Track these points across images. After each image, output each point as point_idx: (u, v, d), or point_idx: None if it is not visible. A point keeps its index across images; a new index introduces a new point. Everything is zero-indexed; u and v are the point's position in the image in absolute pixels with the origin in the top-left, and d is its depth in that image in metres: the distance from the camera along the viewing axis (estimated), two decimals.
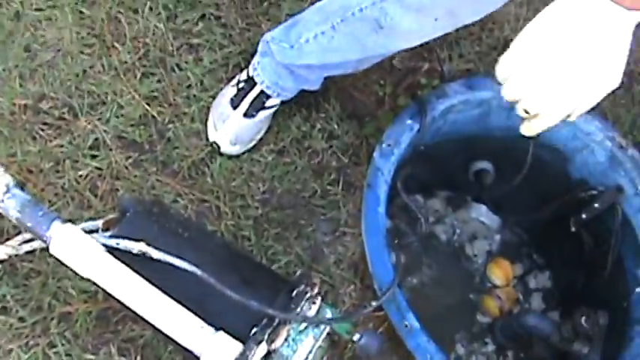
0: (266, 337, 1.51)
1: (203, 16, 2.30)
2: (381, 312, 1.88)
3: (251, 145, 2.18)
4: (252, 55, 2.14)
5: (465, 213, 2.48)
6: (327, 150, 2.17)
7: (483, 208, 2.47)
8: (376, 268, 1.80)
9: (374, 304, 1.69)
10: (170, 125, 2.14)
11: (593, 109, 1.32)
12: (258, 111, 2.11)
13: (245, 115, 2.11)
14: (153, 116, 2.14)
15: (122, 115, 2.13)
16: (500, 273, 2.42)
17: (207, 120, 2.14)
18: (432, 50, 2.39)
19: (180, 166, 2.09)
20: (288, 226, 2.07)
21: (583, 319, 2.20)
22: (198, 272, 1.55)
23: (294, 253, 2.04)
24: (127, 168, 2.07)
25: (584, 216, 2.22)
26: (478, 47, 2.48)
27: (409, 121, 2.01)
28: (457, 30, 1.83)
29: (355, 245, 2.06)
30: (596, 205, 2.19)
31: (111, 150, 2.08)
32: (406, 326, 1.78)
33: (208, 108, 2.15)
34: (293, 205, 2.10)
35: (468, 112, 2.13)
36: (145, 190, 2.05)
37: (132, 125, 2.12)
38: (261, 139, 2.16)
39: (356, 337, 1.65)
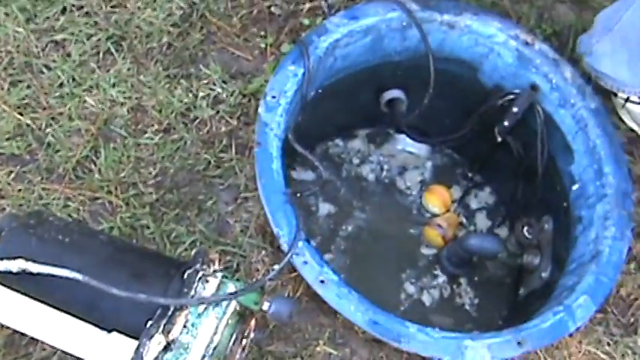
0: (161, 328, 1.44)
1: (64, 9, 2.17)
2: (294, 273, 1.81)
3: None
4: (123, 38, 2.07)
5: (390, 147, 2.37)
6: (214, 117, 2.04)
7: (408, 138, 2.35)
8: (279, 227, 1.71)
9: (276, 266, 1.60)
10: (48, 129, 2.02)
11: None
12: None
13: None
14: (27, 124, 2.02)
15: None
16: (437, 200, 2.31)
17: (88, 117, 2.04)
18: None
19: (65, 169, 1.97)
20: (186, 204, 1.96)
21: (525, 229, 2.13)
22: (80, 277, 1.47)
23: (198, 231, 1.93)
24: (9, 184, 1.95)
25: (506, 123, 2.11)
26: None
27: (292, 67, 1.88)
28: None
29: (258, 208, 1.95)
30: (514, 109, 2.08)
31: None
32: (322, 281, 1.68)
33: (85, 102, 2.04)
34: (188, 182, 1.99)
35: (357, 43, 2.01)
36: (33, 201, 1.93)
37: (7, 139, 2.01)
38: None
39: (265, 305, 1.57)
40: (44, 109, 2.04)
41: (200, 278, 1.52)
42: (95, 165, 1.98)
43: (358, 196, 2.29)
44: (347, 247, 2.21)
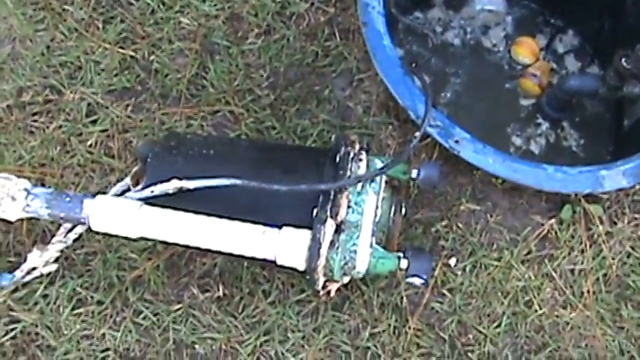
0: (328, 212, 1.50)
1: None
2: (428, 139, 1.85)
3: None
4: None
5: (468, 9, 2.38)
6: (310, 9, 2.07)
7: None
8: (405, 100, 1.75)
9: (417, 134, 1.64)
10: (152, 57, 2.05)
11: None
12: None
13: None
14: (131, 56, 2.05)
15: (102, 70, 2.05)
16: (526, 51, 2.34)
17: (187, 36, 2.06)
18: None
19: (178, 91, 2.01)
20: (304, 98, 1.99)
21: (623, 60, 2.14)
22: (239, 182, 1.52)
23: (322, 120, 1.98)
24: (129, 117, 2.00)
25: None
26: None
27: None
28: None
29: (376, 87, 1.99)
30: None
31: (107, 107, 2.01)
32: (457, 141, 1.74)
33: (180, 23, 2.06)
34: (301, 77, 2.02)
35: None
36: (157, 128, 1.98)
37: (116, 75, 2.04)
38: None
39: (414, 173, 1.63)
40: (143, 38, 2.06)
41: (352, 158, 1.57)
42: (207, 80, 2.01)
43: (450, 63, 2.32)
44: (450, 113, 2.25)
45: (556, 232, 1.91)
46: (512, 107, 2.31)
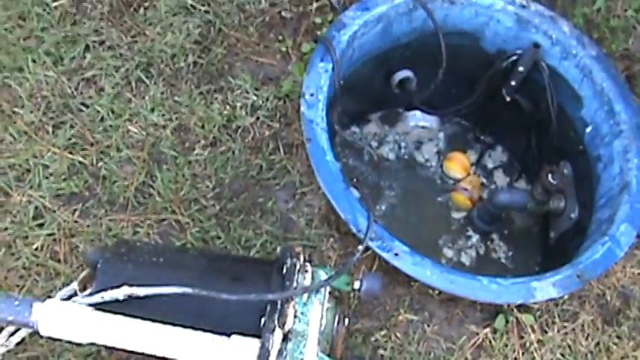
0: (276, 322, 1.52)
1: (87, 47, 2.25)
2: (368, 252, 1.90)
3: None
4: (150, 65, 2.15)
5: (403, 125, 2.50)
6: (255, 123, 2.14)
7: (418, 113, 2.48)
8: (347, 213, 1.80)
9: (360, 248, 1.69)
10: (100, 164, 2.09)
11: None
12: None
13: None
14: (80, 162, 2.09)
15: (51, 174, 2.08)
16: (457, 166, 2.45)
17: (135, 145, 2.11)
18: None
19: (125, 198, 2.05)
20: (249, 209, 2.05)
21: (549, 175, 2.25)
22: (190, 290, 1.55)
23: (266, 231, 2.03)
24: (76, 222, 2.02)
25: (513, 83, 2.26)
26: None
27: (321, 64, 2.00)
28: None
29: (318, 200, 2.06)
30: (520, 68, 2.22)
31: (54, 212, 2.03)
32: (396, 254, 1.80)
33: (129, 131, 2.12)
34: (246, 188, 2.08)
35: (370, 31, 2.13)
36: (103, 234, 2.00)
37: (64, 179, 2.07)
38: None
39: (356, 284, 1.68)
40: (92, 145, 2.10)
41: (298, 270, 1.62)
42: (153, 189, 2.05)
43: (384, 176, 2.41)
44: (384, 224, 2.31)
45: (490, 341, 1.97)
46: (444, 220, 2.40)
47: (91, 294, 1.57)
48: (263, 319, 1.53)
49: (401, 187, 2.41)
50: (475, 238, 2.38)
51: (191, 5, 2.28)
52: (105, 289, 1.55)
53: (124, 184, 2.06)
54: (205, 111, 2.14)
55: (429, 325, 1.97)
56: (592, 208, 2.17)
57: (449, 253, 2.35)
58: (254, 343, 1.50)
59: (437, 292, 1.96)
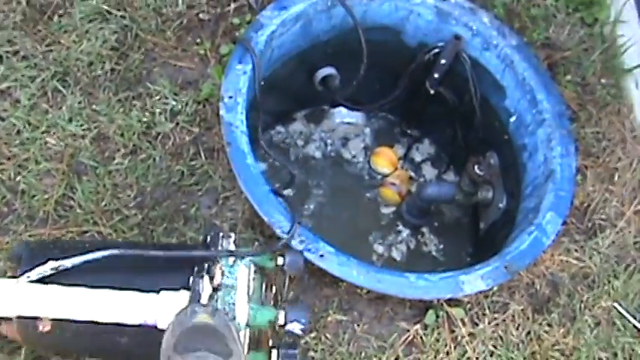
0: (205, 274, 1.56)
1: (0, 58, 2.19)
2: None
3: None
4: (66, 74, 2.12)
5: (329, 122, 2.49)
6: (175, 129, 2.10)
7: (343, 110, 2.47)
8: (270, 217, 1.80)
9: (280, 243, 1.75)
10: (18, 178, 2.03)
11: None
12: None
13: None
14: None
15: None
16: (384, 161, 2.45)
17: (54, 156, 2.07)
18: None
19: (45, 212, 1.99)
20: (172, 217, 2.01)
21: (476, 167, 2.26)
22: (117, 251, 1.57)
23: (189, 239, 2.00)
24: None
25: (436, 75, 2.26)
26: None
27: (239, 66, 1.98)
28: None
29: (241, 204, 2.03)
30: (442, 61, 2.23)
31: None
32: (322, 256, 1.79)
33: (47, 143, 2.07)
34: (168, 196, 2.04)
35: (289, 31, 2.11)
36: None
37: None
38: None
39: (280, 260, 1.71)
40: (9, 158, 2.05)
41: (222, 236, 1.67)
42: (74, 200, 2.01)
43: (311, 175, 2.40)
44: (313, 224, 2.32)
45: (421, 337, 1.96)
46: (373, 216, 2.40)
47: (15, 277, 1.55)
48: (191, 277, 1.56)
49: (329, 184, 2.40)
50: (405, 232, 2.38)
51: (107, 11, 2.24)
52: (31, 269, 1.55)
53: (43, 197, 2.01)
54: (124, 119, 2.10)
55: (358, 325, 1.95)
56: (519, 198, 2.18)
57: (379, 249, 2.34)
58: (183, 294, 1.53)
59: (365, 291, 1.95)
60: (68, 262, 1.54)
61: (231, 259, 1.63)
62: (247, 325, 1.59)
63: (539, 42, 2.40)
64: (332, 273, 1.79)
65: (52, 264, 1.54)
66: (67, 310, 1.52)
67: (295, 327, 1.61)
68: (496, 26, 2.19)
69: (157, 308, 1.50)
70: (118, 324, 1.54)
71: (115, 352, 1.66)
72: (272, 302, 1.82)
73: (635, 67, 2.35)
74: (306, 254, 1.77)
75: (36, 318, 1.55)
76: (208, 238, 1.66)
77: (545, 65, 2.28)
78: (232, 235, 1.68)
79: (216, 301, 1.56)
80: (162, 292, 1.52)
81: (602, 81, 2.37)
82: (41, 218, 2.00)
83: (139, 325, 1.52)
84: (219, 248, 1.64)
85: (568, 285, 2.09)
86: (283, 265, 1.70)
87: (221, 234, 1.66)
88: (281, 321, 1.62)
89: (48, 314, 1.52)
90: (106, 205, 2.01)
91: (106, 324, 1.54)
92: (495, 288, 2.02)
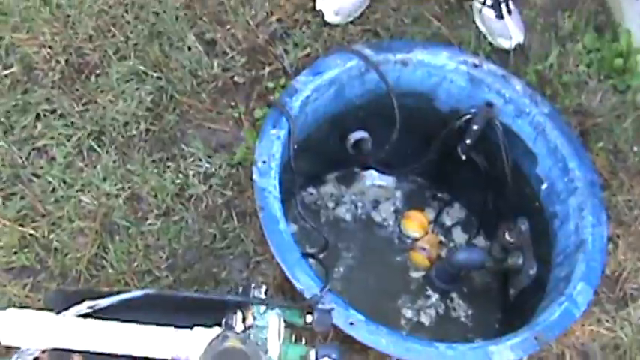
0: (237, 311, 1.56)
1: (38, 116, 2.23)
2: None
3: (349, 19, 2.52)
4: (102, 133, 2.13)
5: (360, 185, 2.49)
6: (208, 192, 2.14)
7: (374, 173, 2.48)
8: (300, 282, 1.79)
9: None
10: (52, 236, 2.07)
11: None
12: None
13: None
14: (31, 234, 2.08)
15: (1, 248, 2.06)
16: (415, 225, 2.44)
17: (88, 215, 2.09)
18: (266, 51, 2.38)
19: (77, 270, 2.03)
20: (203, 279, 2.04)
21: (506, 233, 2.24)
22: (151, 291, 1.55)
23: None
24: (27, 297, 2.01)
25: (468, 141, 2.26)
26: (308, 30, 2.48)
27: (274, 131, 1.99)
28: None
29: (272, 269, 2.05)
30: (474, 127, 2.23)
31: (5, 286, 2.01)
32: (352, 323, 1.79)
33: (81, 202, 2.09)
34: (199, 259, 2.07)
35: (323, 95, 2.12)
36: None
37: (15, 252, 2.06)
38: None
39: (309, 318, 1.68)
40: (43, 216, 2.09)
41: (254, 287, 1.63)
42: (106, 260, 2.04)
43: (341, 238, 2.40)
44: (343, 287, 2.31)
45: None
46: (402, 280, 2.39)
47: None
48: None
49: (359, 247, 2.40)
50: (434, 297, 2.37)
51: (143, 71, 2.28)
52: (67, 308, 1.52)
53: (76, 256, 2.04)
54: (158, 180, 2.12)
55: None
56: (550, 265, 2.16)
57: (408, 313, 2.33)
58: (216, 330, 1.50)
59: (395, 359, 1.95)
60: (104, 302, 1.55)
61: (262, 307, 1.60)
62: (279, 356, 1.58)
63: (571, 109, 2.41)
64: (361, 340, 1.79)
65: (88, 302, 1.55)
66: (101, 342, 1.52)
67: None
68: (528, 94, 2.19)
69: (190, 343, 1.50)
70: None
71: None
72: None
73: None
74: (336, 321, 1.77)
75: (69, 351, 1.57)
76: (241, 288, 1.65)
77: (577, 132, 2.29)
78: (264, 286, 1.68)
79: (249, 336, 1.56)
80: (195, 328, 1.53)
81: (635, 149, 2.37)
82: (73, 277, 2.03)
83: None
84: (251, 296, 1.63)
85: (598, 356, 2.08)
86: (312, 322, 1.70)
87: (253, 284, 1.64)
88: (312, 358, 1.62)
89: (82, 346, 1.53)
90: (137, 265, 2.03)
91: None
92: (525, 359, 2.01)
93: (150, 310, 1.62)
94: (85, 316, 1.58)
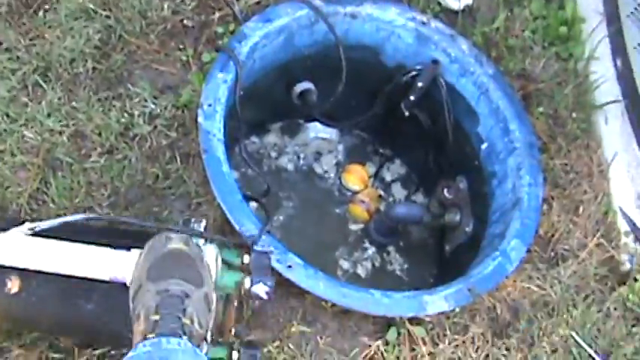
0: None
1: None
2: None
3: None
4: (48, 69, 2.13)
5: (303, 136, 2.52)
6: (153, 132, 2.12)
7: (318, 125, 2.50)
8: (241, 224, 1.81)
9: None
10: None
11: None
12: None
13: None
14: None
15: None
16: (355, 178, 2.48)
17: (30, 150, 2.08)
18: None
19: (18, 204, 2.00)
20: (144, 218, 2.03)
21: (445, 190, 2.29)
22: (91, 215, 1.68)
23: None
24: None
25: (412, 98, 2.29)
26: None
27: (221, 75, 2.00)
28: None
29: (214, 210, 2.05)
30: (419, 84, 2.26)
31: None
32: (290, 267, 1.82)
33: (24, 137, 2.08)
34: (141, 198, 2.05)
35: (272, 43, 2.14)
36: None
37: None
38: None
39: (246, 259, 1.72)
40: None
41: (194, 221, 1.71)
42: (47, 195, 2.02)
43: (282, 187, 2.43)
44: (281, 235, 2.34)
45: (382, 353, 1.98)
46: (341, 232, 2.43)
47: None
48: None
49: (299, 198, 2.43)
50: (371, 250, 2.41)
51: (92, 10, 2.25)
52: (5, 229, 1.59)
53: (17, 190, 2.02)
54: (103, 118, 2.11)
55: (321, 337, 1.97)
56: (486, 223, 2.22)
57: (345, 264, 2.37)
58: None
59: (330, 304, 1.97)
60: (45, 224, 1.56)
61: (201, 241, 1.65)
62: (215, 285, 1.60)
63: (515, 72, 2.44)
64: (299, 284, 1.82)
65: (29, 224, 1.56)
66: (40, 260, 1.54)
67: (261, 289, 1.64)
68: (474, 54, 2.23)
69: (127, 264, 1.53)
70: (86, 287, 1.58)
71: (79, 322, 1.69)
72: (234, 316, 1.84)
73: (606, 104, 2.40)
74: (274, 264, 1.79)
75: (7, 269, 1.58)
76: (181, 221, 1.72)
77: (519, 95, 2.32)
78: (204, 220, 1.71)
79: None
80: (132, 250, 1.55)
81: (574, 115, 2.41)
82: (14, 210, 2.01)
83: (107, 282, 1.56)
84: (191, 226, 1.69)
85: (528, 311, 2.12)
86: (249, 262, 1.71)
87: (193, 219, 1.69)
88: (247, 285, 1.65)
89: (21, 264, 1.54)
90: (79, 202, 2.02)
91: (75, 286, 1.58)
92: (457, 310, 2.05)
93: (89, 235, 1.64)
94: None
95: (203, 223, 1.69)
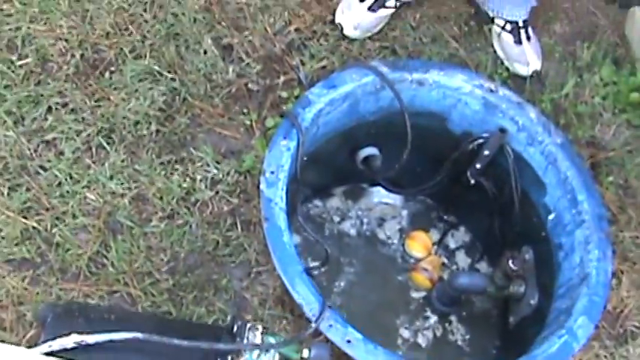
0: None
1: (49, 108, 2.22)
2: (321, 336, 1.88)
3: (368, 34, 2.56)
4: (112, 130, 2.12)
5: (366, 201, 2.48)
6: (214, 197, 2.12)
7: (382, 190, 2.47)
8: (301, 297, 1.78)
9: (312, 325, 1.73)
10: (54, 230, 2.06)
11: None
12: (379, 8, 2.51)
13: (369, 8, 2.50)
14: (33, 227, 2.06)
15: (3, 238, 2.05)
16: (419, 245, 2.43)
17: (92, 212, 2.09)
18: (283, 61, 2.38)
19: (78, 267, 2.02)
20: (202, 286, 2.02)
21: (510, 261, 2.23)
22: (140, 335, 1.55)
23: (217, 309, 2.01)
24: (25, 289, 1.99)
25: (478, 166, 2.25)
26: (326, 42, 2.47)
27: (284, 142, 1.98)
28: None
29: (273, 280, 2.04)
30: (486, 152, 2.22)
31: (4, 277, 2.00)
32: (349, 341, 1.77)
33: (86, 198, 2.09)
34: (201, 264, 2.06)
35: (336, 109, 2.12)
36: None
37: (16, 244, 2.04)
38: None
39: (305, 353, 1.69)
40: (47, 210, 2.08)
41: (249, 329, 1.66)
42: (107, 259, 2.03)
43: (344, 252, 2.39)
44: (342, 301, 2.30)
45: None
46: (402, 299, 2.37)
47: (37, 344, 1.53)
48: None
49: (361, 263, 2.38)
50: (433, 319, 2.36)
51: (158, 72, 2.27)
52: (53, 338, 1.53)
53: (77, 252, 2.03)
54: (165, 182, 2.11)
55: None
56: (552, 296, 2.15)
57: (405, 333, 2.32)
58: None
59: None
60: (91, 339, 1.53)
61: (255, 353, 1.63)
62: None
63: (584, 140, 2.40)
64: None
65: (75, 337, 1.53)
66: None
67: None
68: (542, 122, 2.18)
69: None
70: None
71: None
72: None
73: None
74: (333, 338, 1.75)
75: None
76: (235, 327, 1.66)
77: (588, 164, 2.28)
78: (259, 327, 1.67)
79: None
80: None
81: None
82: (73, 273, 2.02)
83: None
84: (245, 340, 1.64)
85: None
86: (308, 357, 1.69)
87: (248, 325, 1.66)
88: None
89: None
90: (138, 266, 2.02)
91: None
92: None
93: (138, 349, 1.59)
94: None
95: (259, 331, 1.66)
